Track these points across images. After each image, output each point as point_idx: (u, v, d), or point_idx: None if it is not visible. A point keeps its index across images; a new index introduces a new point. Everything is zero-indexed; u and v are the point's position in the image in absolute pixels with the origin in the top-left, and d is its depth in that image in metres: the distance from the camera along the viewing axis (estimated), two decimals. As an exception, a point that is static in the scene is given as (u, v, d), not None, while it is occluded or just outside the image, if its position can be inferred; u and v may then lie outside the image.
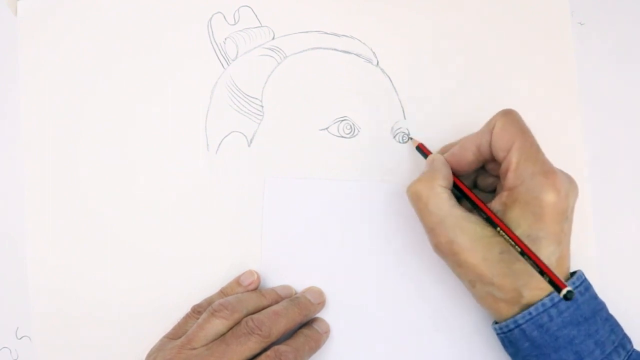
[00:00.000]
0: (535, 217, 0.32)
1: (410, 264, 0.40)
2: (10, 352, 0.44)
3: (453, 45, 0.43)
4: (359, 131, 0.42)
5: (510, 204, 0.33)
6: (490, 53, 0.43)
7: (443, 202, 0.34)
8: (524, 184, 0.33)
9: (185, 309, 0.40)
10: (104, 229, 0.42)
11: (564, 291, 0.29)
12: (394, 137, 0.42)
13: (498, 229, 0.33)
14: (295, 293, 0.40)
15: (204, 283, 0.41)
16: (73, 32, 0.44)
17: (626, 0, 0.43)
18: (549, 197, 0.32)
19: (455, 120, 0.39)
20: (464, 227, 0.33)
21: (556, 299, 0.33)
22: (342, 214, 0.41)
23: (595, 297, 0.34)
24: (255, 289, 0.40)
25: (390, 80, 0.42)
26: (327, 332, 0.39)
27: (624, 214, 0.41)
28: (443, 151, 0.39)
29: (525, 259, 0.31)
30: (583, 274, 0.35)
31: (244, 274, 0.40)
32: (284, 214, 0.41)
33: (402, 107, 0.42)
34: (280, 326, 0.36)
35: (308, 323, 0.39)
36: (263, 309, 0.37)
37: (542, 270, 0.30)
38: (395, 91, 0.42)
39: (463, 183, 0.36)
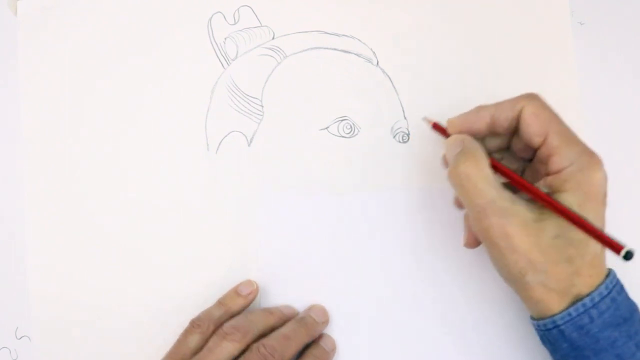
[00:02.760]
0: (586, 196, 0.32)
1: (410, 272, 0.40)
2: (10, 352, 0.44)
3: (453, 45, 0.43)
4: (359, 131, 0.42)
5: (559, 186, 0.32)
6: (490, 53, 0.43)
7: (492, 183, 0.33)
8: (574, 164, 0.32)
9: (183, 309, 0.40)
10: (103, 229, 0.42)
11: (622, 251, 0.29)
12: (394, 137, 0.42)
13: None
14: (298, 312, 0.40)
15: (203, 284, 0.41)
16: (73, 32, 0.44)
17: (626, 0, 0.43)
18: (599, 176, 0.32)
19: (455, 120, 0.39)
20: (515, 210, 0.32)
21: (597, 299, 0.31)
22: (337, 226, 0.41)
23: (628, 297, 0.33)
24: (254, 299, 0.40)
25: (390, 80, 0.42)
26: (333, 349, 0.39)
27: (624, 214, 0.41)
28: (451, 123, 0.37)
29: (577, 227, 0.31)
30: (616, 274, 0.34)
31: (242, 283, 0.40)
32: (279, 229, 0.41)
33: (402, 107, 0.42)
34: (291, 350, 0.36)
35: (315, 341, 0.39)
36: (271, 328, 0.37)
37: (597, 235, 0.30)
38: (395, 91, 0.42)
39: (501, 164, 0.35)
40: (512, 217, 0.32)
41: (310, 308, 0.40)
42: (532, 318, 0.34)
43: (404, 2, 0.43)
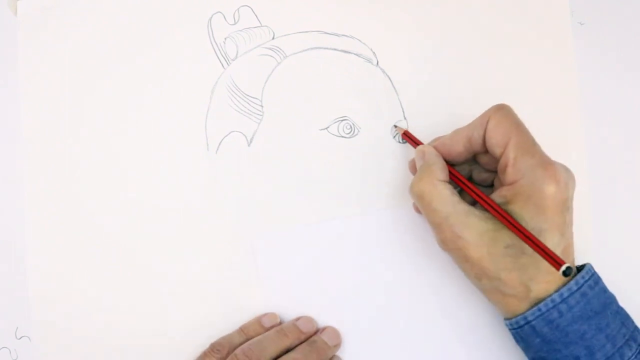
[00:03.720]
0: (538, 209, 0.32)
1: (411, 277, 0.40)
2: (10, 352, 0.44)
3: (453, 46, 0.43)
4: (359, 131, 0.42)
5: (512, 198, 0.33)
6: (491, 53, 0.43)
7: (446, 198, 0.34)
8: (525, 177, 0.33)
9: (183, 308, 0.40)
10: (103, 229, 0.42)
11: (562, 267, 0.30)
12: (394, 137, 0.42)
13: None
14: (317, 328, 0.40)
15: (202, 283, 0.41)
16: (73, 32, 0.44)
17: (626, 0, 0.43)
18: (550, 189, 0.32)
19: (455, 120, 0.39)
20: (469, 223, 0.34)
21: (566, 294, 0.33)
22: (336, 250, 0.41)
23: (604, 290, 0.34)
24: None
25: (390, 80, 0.42)
26: (337, 344, 0.39)
27: (623, 214, 0.41)
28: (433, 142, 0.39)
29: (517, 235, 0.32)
30: (592, 267, 0.35)
31: (266, 315, 0.40)
32: (279, 265, 0.41)
33: (402, 107, 0.42)
34: None
35: (316, 333, 0.40)
36: (286, 349, 0.38)
37: (544, 250, 0.31)
38: (395, 91, 0.42)
39: (460, 174, 0.37)
40: (466, 229, 0.33)
41: (323, 330, 0.40)
42: (506, 318, 0.36)
43: (404, 2, 0.43)
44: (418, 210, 0.39)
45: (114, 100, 0.43)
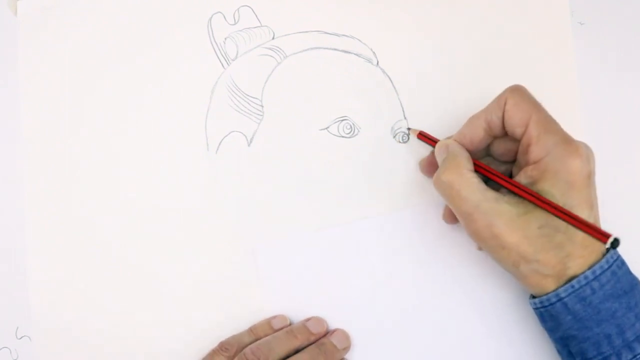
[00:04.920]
0: (567, 185, 0.33)
1: (412, 290, 0.40)
2: (10, 352, 0.44)
3: (453, 45, 0.43)
4: (359, 131, 0.42)
5: (539, 177, 0.34)
6: (490, 53, 0.43)
7: (475, 187, 0.34)
8: (550, 154, 0.33)
9: (183, 309, 0.40)
10: (103, 229, 0.42)
11: (610, 239, 0.30)
12: (394, 137, 0.42)
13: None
14: (327, 329, 0.40)
15: (202, 283, 0.41)
16: (73, 32, 0.44)
17: (626, 0, 0.43)
18: (576, 163, 0.33)
19: (456, 120, 0.39)
20: (500, 209, 0.33)
21: (598, 272, 0.33)
22: (337, 251, 0.41)
23: (629, 272, 0.34)
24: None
25: (390, 80, 0.42)
26: (346, 347, 0.39)
27: (623, 214, 0.41)
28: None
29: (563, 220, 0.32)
30: (617, 250, 0.35)
31: (277, 317, 0.40)
32: (280, 265, 0.41)
33: (402, 107, 0.42)
34: None
35: (325, 336, 0.39)
36: (294, 350, 0.38)
37: (587, 225, 0.31)
38: (395, 91, 0.42)
39: (483, 164, 0.36)
40: (498, 216, 0.33)
41: (333, 333, 0.39)
42: (533, 297, 0.35)
43: (404, 2, 0.43)
44: (450, 219, 0.39)
45: (114, 100, 0.43)
